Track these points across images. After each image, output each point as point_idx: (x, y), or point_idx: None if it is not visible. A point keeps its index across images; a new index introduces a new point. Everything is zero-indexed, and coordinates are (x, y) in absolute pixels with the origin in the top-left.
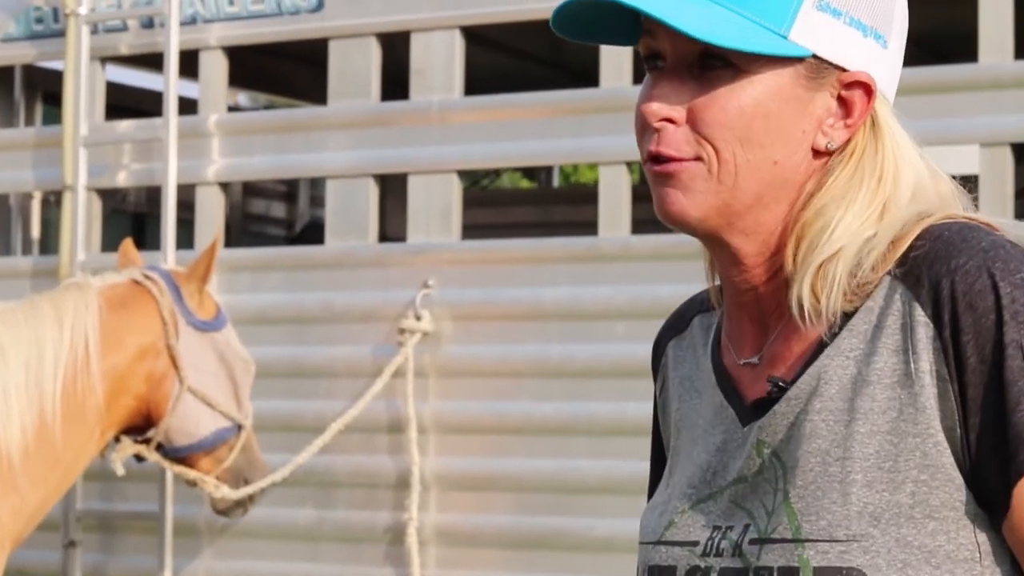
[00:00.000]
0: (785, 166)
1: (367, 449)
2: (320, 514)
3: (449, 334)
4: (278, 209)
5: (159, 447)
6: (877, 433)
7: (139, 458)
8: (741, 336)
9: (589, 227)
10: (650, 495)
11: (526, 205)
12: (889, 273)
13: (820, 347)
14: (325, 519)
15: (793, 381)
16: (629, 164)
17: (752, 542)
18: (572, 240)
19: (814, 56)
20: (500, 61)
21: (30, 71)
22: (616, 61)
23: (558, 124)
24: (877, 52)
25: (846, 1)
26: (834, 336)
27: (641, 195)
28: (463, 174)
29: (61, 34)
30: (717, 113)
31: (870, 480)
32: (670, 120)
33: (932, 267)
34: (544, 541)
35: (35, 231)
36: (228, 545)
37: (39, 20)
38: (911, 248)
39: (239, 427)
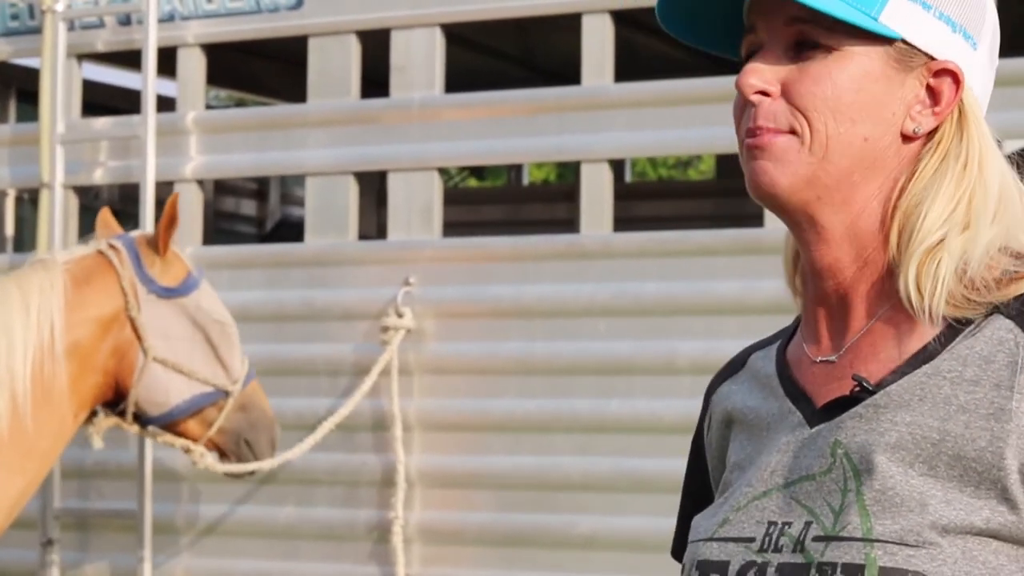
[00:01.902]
0: (875, 145)
1: (349, 447)
2: (301, 512)
3: (431, 331)
4: (248, 207)
5: (137, 418)
6: (964, 459)
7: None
8: (818, 334)
9: (562, 225)
10: (680, 521)
11: (498, 203)
12: (1003, 310)
13: (917, 358)
14: (306, 517)
15: (879, 386)
16: (610, 161)
17: (817, 539)
18: (554, 237)
19: (903, 41)
20: (475, 60)
21: (5, 68)
22: (597, 59)
23: (539, 122)
24: (966, 50)
25: None
26: (933, 354)
27: (620, 193)
28: (444, 172)
29: (37, 31)
30: (811, 85)
31: (949, 499)
32: (765, 93)
33: None
34: (527, 538)
35: (10, 229)
36: (207, 543)
37: (15, 17)
38: None
39: (224, 391)
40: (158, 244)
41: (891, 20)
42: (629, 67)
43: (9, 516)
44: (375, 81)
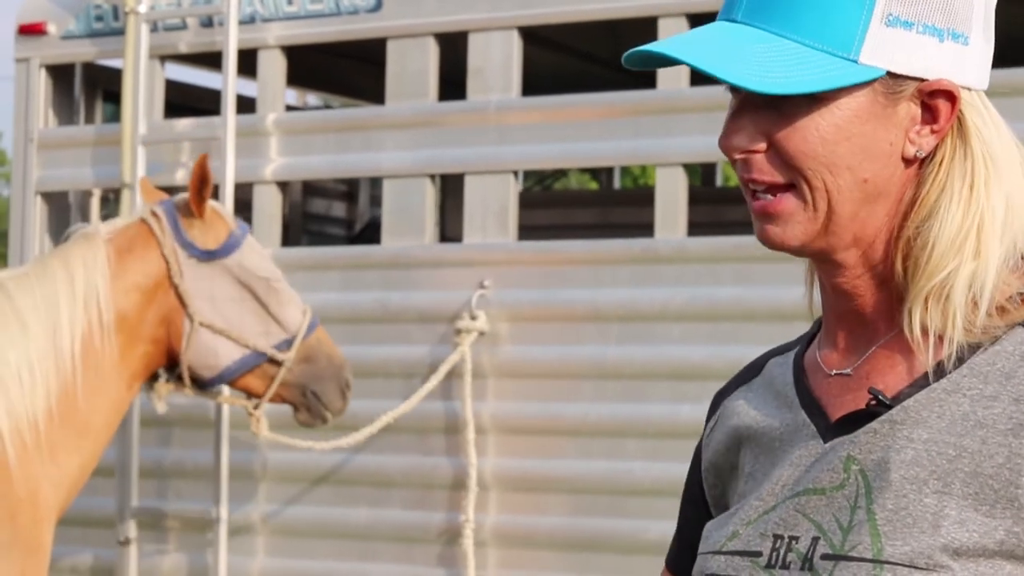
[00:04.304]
0: (876, 182)
1: (423, 449)
2: (375, 514)
3: (505, 334)
4: (338, 209)
5: (193, 381)
6: (980, 476)
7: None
8: (835, 346)
9: (649, 229)
10: (679, 529)
11: (588, 207)
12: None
13: (935, 372)
14: (380, 519)
15: (895, 400)
16: (686, 166)
17: (825, 557)
18: (628, 242)
19: (888, 73)
20: (559, 61)
21: (90, 69)
22: None
23: (615, 125)
24: (958, 53)
25: (916, 9)
26: (950, 371)
27: (698, 197)
28: (526, 174)
29: (121, 32)
30: (799, 143)
31: (964, 519)
32: (752, 152)
33: None
34: (598, 543)
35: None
36: (282, 544)
37: (99, 18)
38: None
39: (280, 346)
40: (193, 206)
41: (873, 56)
42: None
43: (69, 496)
44: (453, 83)
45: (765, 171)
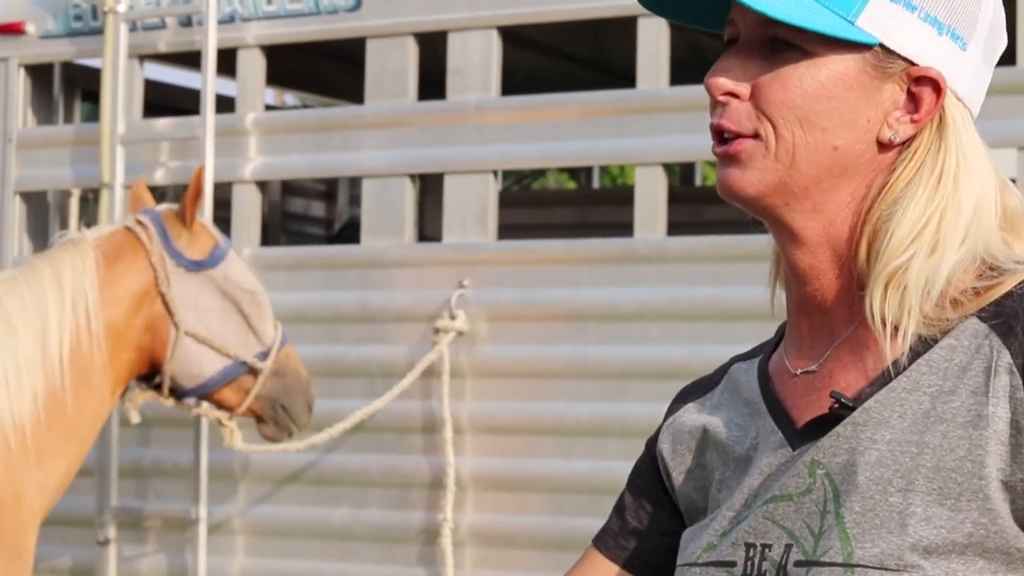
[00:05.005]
0: (846, 153)
1: (401, 449)
2: (353, 513)
3: (484, 334)
4: (317, 208)
5: (172, 391)
6: (943, 470)
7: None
8: (799, 342)
9: (628, 229)
10: (611, 517)
11: (567, 206)
12: (978, 316)
13: (895, 368)
14: (359, 519)
15: (857, 400)
16: (666, 165)
17: (798, 563)
18: (607, 241)
19: (881, 46)
20: (539, 61)
21: (69, 68)
22: (653, 62)
23: (595, 125)
24: (953, 52)
25: None
26: (908, 365)
27: (680, 197)
28: (504, 174)
29: (100, 32)
30: (779, 91)
31: (930, 515)
32: (734, 95)
33: None
34: (578, 542)
35: (73, 228)
36: (262, 543)
37: (78, 17)
38: (1007, 297)
39: (258, 359)
40: (185, 217)
41: (869, 23)
42: (692, 68)
43: (55, 498)
44: (432, 83)
45: (735, 119)
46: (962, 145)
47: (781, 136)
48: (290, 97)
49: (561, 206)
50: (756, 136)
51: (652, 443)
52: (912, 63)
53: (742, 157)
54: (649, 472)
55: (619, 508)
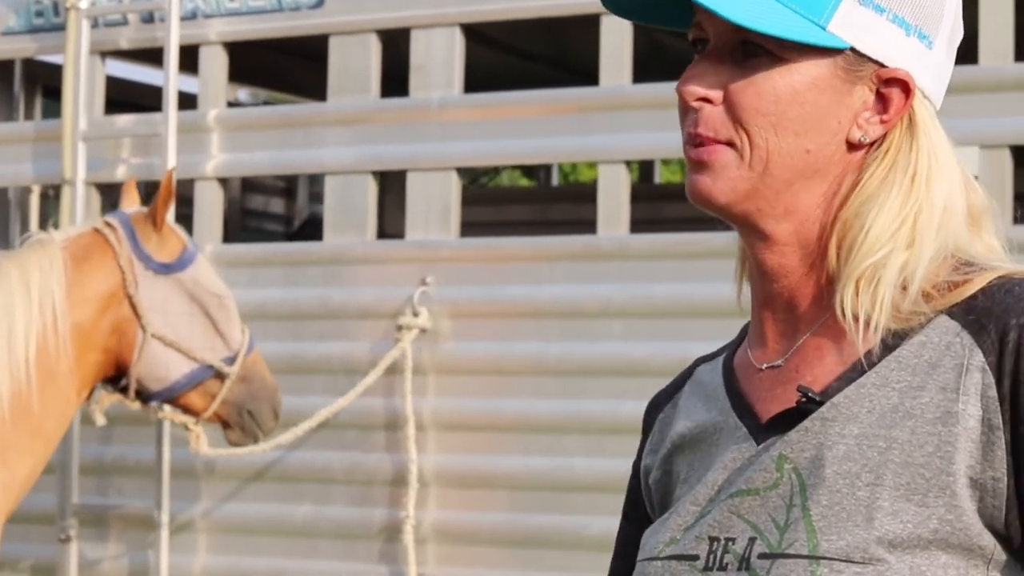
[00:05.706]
0: (818, 156)
1: (364, 446)
2: (318, 510)
3: (447, 331)
4: (277, 205)
5: (138, 394)
6: (911, 465)
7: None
8: (764, 337)
9: (588, 225)
10: (616, 552)
11: (526, 203)
12: (948, 314)
13: (860, 366)
14: (321, 516)
15: (825, 395)
16: (628, 163)
17: (762, 556)
18: (570, 238)
19: (852, 50)
20: (501, 59)
21: (30, 65)
22: (616, 60)
23: (558, 122)
24: (920, 52)
25: None
26: (878, 361)
27: (640, 194)
28: (462, 171)
29: (61, 28)
30: (752, 98)
31: (896, 510)
32: (707, 100)
33: (1001, 318)
34: (539, 539)
35: (34, 225)
36: (224, 541)
37: (39, 14)
38: (978, 294)
39: (224, 364)
40: (155, 220)
41: (840, 28)
42: (655, 66)
43: (19, 497)
44: (395, 80)
45: (710, 126)
46: (932, 144)
47: (756, 144)
48: (243, 93)
49: (519, 203)
50: (730, 144)
51: (637, 465)
52: (882, 65)
53: (715, 166)
54: (636, 495)
55: (618, 539)
